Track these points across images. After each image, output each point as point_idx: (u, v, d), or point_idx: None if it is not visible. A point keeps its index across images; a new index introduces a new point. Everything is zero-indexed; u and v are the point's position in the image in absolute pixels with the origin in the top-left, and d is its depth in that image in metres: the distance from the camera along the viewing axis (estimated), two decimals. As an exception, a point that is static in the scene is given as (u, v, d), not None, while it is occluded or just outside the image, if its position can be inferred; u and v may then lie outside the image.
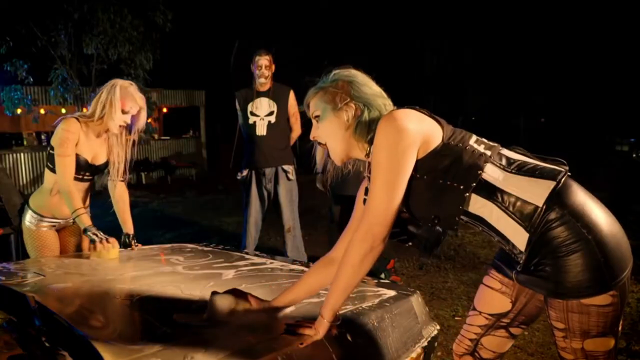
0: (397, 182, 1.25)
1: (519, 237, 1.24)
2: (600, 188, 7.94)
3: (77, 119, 2.35)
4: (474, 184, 1.25)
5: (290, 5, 16.33)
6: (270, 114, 3.88)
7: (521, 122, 19.57)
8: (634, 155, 14.60)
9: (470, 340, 1.51)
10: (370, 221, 1.26)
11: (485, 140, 1.35)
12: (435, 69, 20.08)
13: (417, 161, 1.28)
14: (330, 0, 17.11)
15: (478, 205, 1.27)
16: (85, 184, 2.51)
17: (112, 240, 2.20)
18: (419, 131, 1.28)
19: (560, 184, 1.22)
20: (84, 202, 2.51)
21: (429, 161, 1.28)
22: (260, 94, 3.89)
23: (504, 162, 1.29)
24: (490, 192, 1.25)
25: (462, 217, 1.30)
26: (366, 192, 1.42)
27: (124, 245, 2.43)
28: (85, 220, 2.28)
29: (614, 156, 14.86)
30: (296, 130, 4.07)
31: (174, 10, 10.47)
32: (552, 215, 1.19)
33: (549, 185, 1.21)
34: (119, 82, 2.35)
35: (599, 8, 17.80)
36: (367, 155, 1.40)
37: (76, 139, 2.34)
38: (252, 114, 3.88)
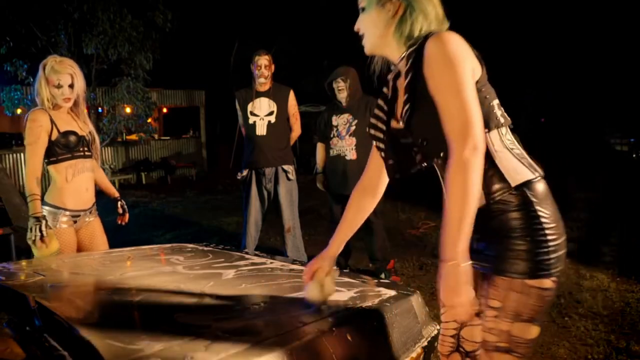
0: (467, 91, 1.21)
1: None
2: (596, 188, 7.95)
3: (41, 108, 2.46)
4: (486, 131, 1.26)
5: (290, 5, 16.32)
6: (270, 113, 3.88)
7: (521, 122, 19.58)
8: (634, 155, 14.60)
9: (452, 337, 1.50)
10: (461, 140, 1.18)
11: (503, 110, 1.36)
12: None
13: None
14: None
15: None
16: (89, 161, 2.60)
17: (50, 237, 2.34)
18: (471, 62, 1.27)
19: (537, 179, 1.28)
20: (92, 182, 2.66)
21: None
22: (260, 94, 3.89)
23: (506, 136, 1.32)
24: None
25: (443, 154, 1.30)
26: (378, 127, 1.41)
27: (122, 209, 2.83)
28: (37, 207, 2.36)
29: (614, 156, 14.86)
30: (296, 130, 4.08)
31: (173, 11, 10.48)
32: (515, 200, 1.25)
33: (528, 175, 1.27)
34: (42, 63, 2.47)
35: (599, 6, 17.79)
36: (401, 60, 1.36)
37: (43, 127, 2.43)
38: (252, 114, 3.89)
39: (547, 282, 1.25)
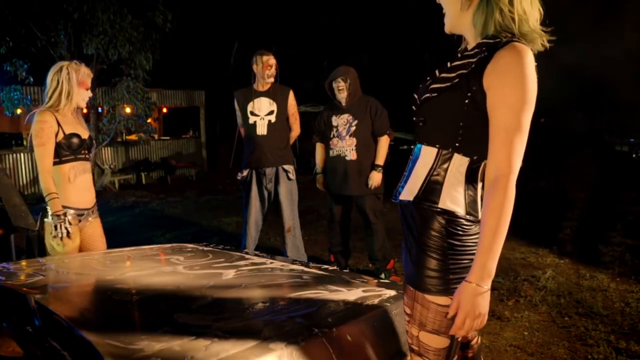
0: (527, 118, 1.19)
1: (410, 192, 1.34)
2: (596, 188, 7.94)
3: (48, 110, 2.54)
4: (467, 157, 1.27)
5: (290, 5, 16.32)
6: (270, 113, 3.87)
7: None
8: (634, 156, 14.60)
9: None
10: (506, 166, 1.17)
11: None
12: (435, 69, 20.07)
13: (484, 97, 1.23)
14: (329, 1, 17.11)
15: (432, 159, 1.31)
16: (87, 164, 2.69)
17: (74, 232, 2.46)
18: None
19: (462, 218, 1.28)
20: (92, 183, 2.73)
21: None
22: (260, 94, 3.88)
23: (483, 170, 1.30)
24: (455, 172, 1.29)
25: (429, 143, 1.33)
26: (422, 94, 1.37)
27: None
28: (57, 205, 2.46)
29: (613, 156, 14.86)
30: (295, 130, 4.07)
31: (174, 11, 10.48)
32: (440, 216, 1.27)
33: (458, 209, 1.27)
34: (70, 66, 2.57)
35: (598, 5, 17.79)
36: (472, 49, 1.30)
37: (52, 128, 2.52)
38: (252, 113, 3.88)
39: (445, 300, 1.25)
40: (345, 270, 2.30)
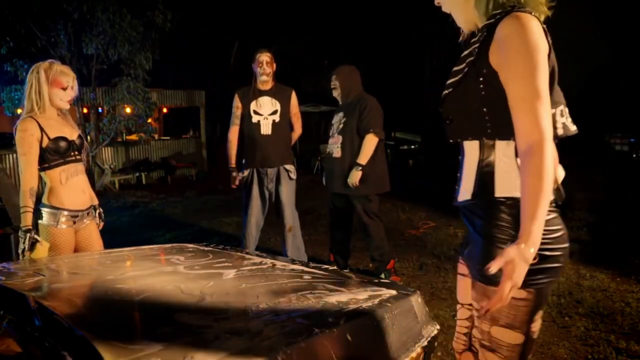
0: (541, 81, 1.15)
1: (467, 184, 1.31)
2: (596, 188, 7.94)
3: (30, 116, 2.46)
4: (508, 140, 1.23)
5: (290, 5, 16.31)
6: (274, 112, 3.87)
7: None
8: (634, 155, 14.59)
9: (464, 335, 1.52)
10: (529, 140, 1.14)
11: (567, 118, 1.28)
12: (435, 69, 20.09)
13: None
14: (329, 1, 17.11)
15: (477, 152, 1.28)
16: (80, 165, 2.63)
17: (37, 248, 2.39)
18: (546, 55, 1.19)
19: None
20: (87, 184, 2.69)
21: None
22: (263, 93, 3.88)
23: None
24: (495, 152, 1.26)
25: (461, 140, 1.32)
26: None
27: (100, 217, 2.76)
28: (28, 219, 2.41)
29: (613, 156, 14.86)
30: (297, 130, 4.07)
31: (174, 11, 10.48)
32: (502, 205, 1.24)
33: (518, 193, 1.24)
34: (41, 67, 2.47)
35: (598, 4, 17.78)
36: (478, 32, 1.29)
37: (34, 136, 2.44)
38: (256, 112, 3.86)
39: (519, 292, 1.21)
40: (345, 270, 2.30)
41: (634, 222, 5.64)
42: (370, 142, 3.65)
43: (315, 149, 13.82)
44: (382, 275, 3.87)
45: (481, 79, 1.24)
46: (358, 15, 17.86)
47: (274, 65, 3.87)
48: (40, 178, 2.54)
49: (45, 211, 2.51)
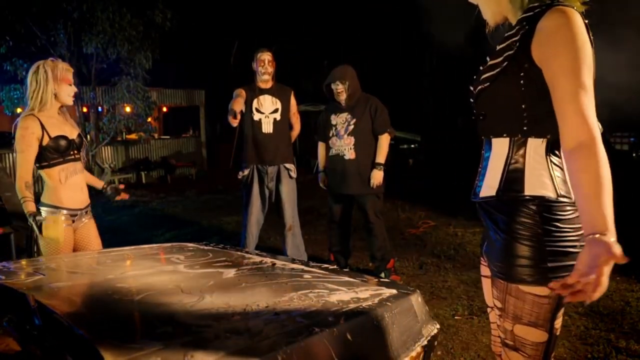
0: (586, 78, 1.12)
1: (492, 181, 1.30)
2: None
3: (32, 114, 2.48)
4: (541, 138, 1.22)
5: (290, 5, 16.31)
6: (275, 111, 3.89)
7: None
8: (634, 155, 14.59)
9: (499, 337, 1.48)
10: (580, 139, 1.10)
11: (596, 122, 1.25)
12: (435, 68, 20.09)
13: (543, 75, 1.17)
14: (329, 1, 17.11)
15: (506, 149, 1.27)
16: (79, 164, 2.65)
17: (48, 223, 2.42)
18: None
19: (557, 202, 1.23)
20: (85, 183, 2.71)
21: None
22: (264, 91, 3.89)
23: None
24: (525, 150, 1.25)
25: (493, 136, 1.30)
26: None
27: (115, 191, 2.84)
28: (31, 207, 2.44)
29: (613, 156, 14.85)
30: (296, 129, 4.09)
31: (174, 10, 10.48)
32: (529, 203, 1.22)
33: (548, 193, 1.23)
34: (46, 64, 2.49)
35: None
36: (515, 26, 1.26)
37: (35, 134, 2.46)
38: (258, 110, 3.88)
39: (542, 290, 1.20)
40: (345, 270, 2.30)
41: (634, 221, 5.64)
42: (386, 142, 3.80)
43: (315, 148, 13.82)
44: (382, 275, 3.88)
45: (522, 74, 1.20)
46: (358, 15, 17.85)
47: (274, 64, 3.89)
48: (39, 177, 2.55)
49: (44, 210, 2.51)
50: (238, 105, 3.54)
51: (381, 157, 3.77)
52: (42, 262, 2.00)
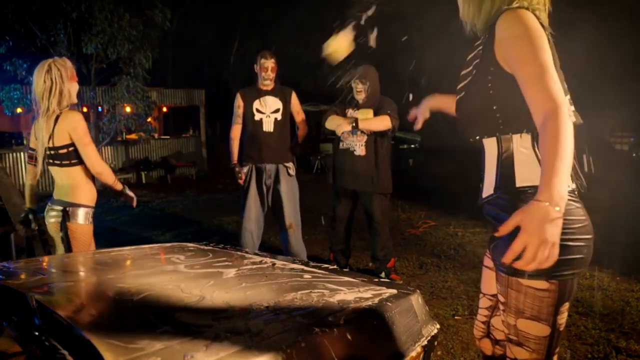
0: (545, 58, 1.18)
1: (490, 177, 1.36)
2: (595, 188, 7.95)
3: (74, 110, 2.60)
4: (522, 133, 1.27)
5: (290, 5, 16.31)
6: (277, 111, 3.94)
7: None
8: (634, 155, 14.60)
9: (483, 323, 1.56)
10: (545, 111, 1.14)
11: (572, 108, 1.30)
12: (434, 68, 20.08)
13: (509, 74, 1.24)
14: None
15: (495, 148, 1.33)
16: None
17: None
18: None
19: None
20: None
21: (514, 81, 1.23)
22: (266, 92, 3.95)
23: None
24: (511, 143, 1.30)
25: (478, 138, 1.36)
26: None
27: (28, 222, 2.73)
28: (119, 185, 2.69)
29: (613, 155, 14.86)
30: (303, 129, 4.10)
31: (174, 10, 10.47)
32: (522, 195, 1.26)
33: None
34: (57, 63, 2.52)
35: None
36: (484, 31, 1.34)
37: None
38: (259, 111, 3.93)
39: (542, 284, 1.22)
40: (345, 270, 2.30)
41: (634, 221, 5.64)
42: (384, 119, 3.69)
43: (315, 148, 13.80)
44: (382, 274, 3.88)
45: (489, 77, 1.28)
46: (356, 15, 17.85)
47: (276, 68, 3.95)
48: (41, 174, 2.56)
49: (82, 210, 2.53)
50: (240, 181, 3.91)
51: (370, 121, 3.69)
52: (42, 262, 2.00)
